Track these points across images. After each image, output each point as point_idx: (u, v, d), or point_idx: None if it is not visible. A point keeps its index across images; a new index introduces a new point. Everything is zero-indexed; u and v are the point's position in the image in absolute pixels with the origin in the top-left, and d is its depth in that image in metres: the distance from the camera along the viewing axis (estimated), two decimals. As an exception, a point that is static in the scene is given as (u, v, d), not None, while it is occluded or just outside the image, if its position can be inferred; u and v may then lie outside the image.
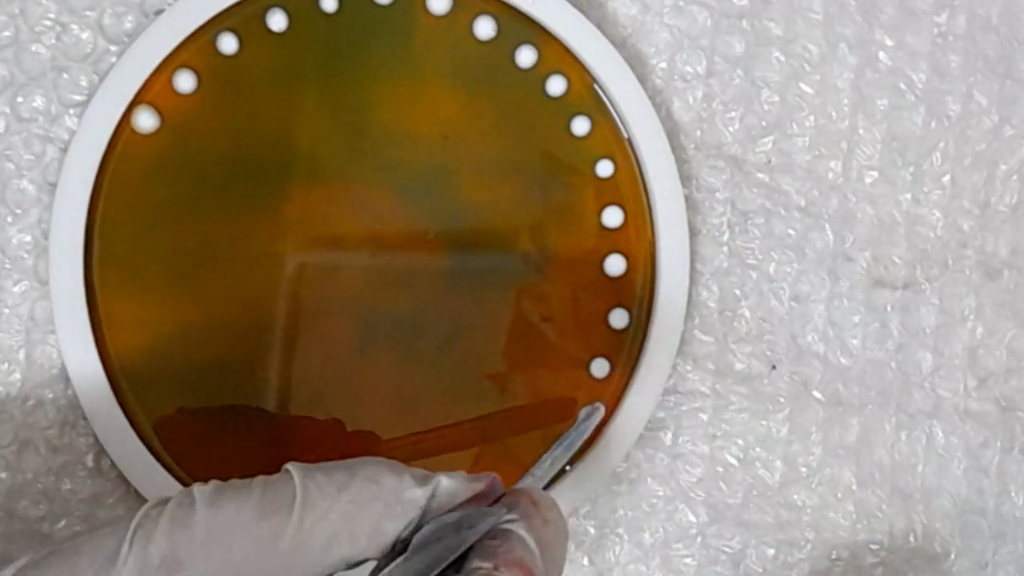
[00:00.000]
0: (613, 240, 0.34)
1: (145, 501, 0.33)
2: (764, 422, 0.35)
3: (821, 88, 0.35)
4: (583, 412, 0.31)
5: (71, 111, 0.33)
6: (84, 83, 0.33)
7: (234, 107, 0.33)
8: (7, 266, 0.33)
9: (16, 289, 0.33)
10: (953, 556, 0.36)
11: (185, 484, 0.32)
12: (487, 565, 0.24)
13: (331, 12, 0.33)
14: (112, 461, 0.32)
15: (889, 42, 0.35)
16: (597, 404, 0.31)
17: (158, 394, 0.32)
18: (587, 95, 0.34)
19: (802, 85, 0.35)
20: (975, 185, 0.36)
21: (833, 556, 0.36)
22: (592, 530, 0.35)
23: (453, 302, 0.33)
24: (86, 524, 0.33)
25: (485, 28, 0.33)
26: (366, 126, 0.33)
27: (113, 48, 0.33)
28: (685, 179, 0.34)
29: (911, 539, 0.36)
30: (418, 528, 0.25)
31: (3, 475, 0.33)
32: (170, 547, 0.24)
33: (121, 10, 0.33)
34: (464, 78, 0.33)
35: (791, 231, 0.35)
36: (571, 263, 0.34)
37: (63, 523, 0.33)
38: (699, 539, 0.35)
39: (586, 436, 0.30)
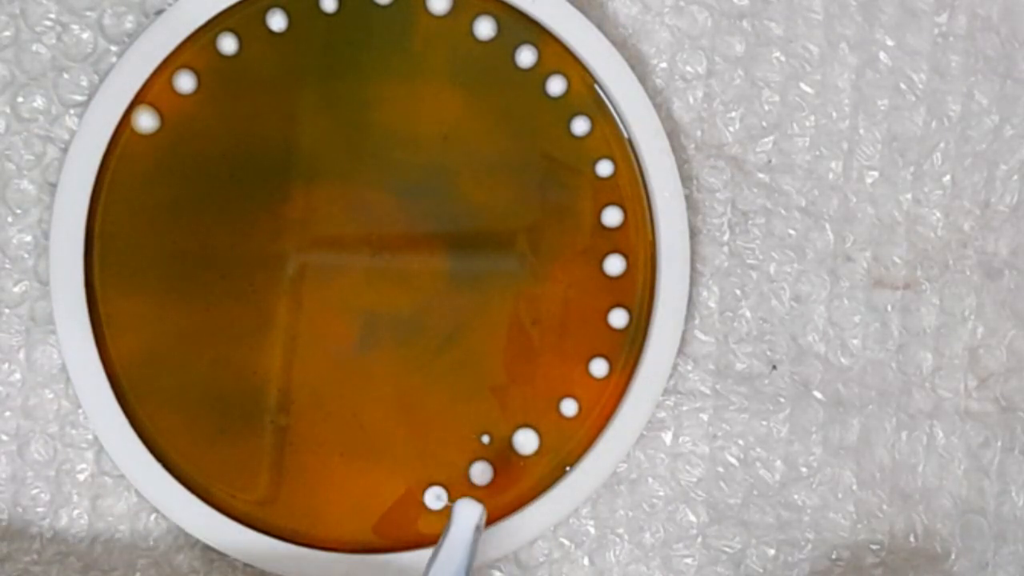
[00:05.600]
0: (613, 240, 0.34)
1: (145, 501, 0.33)
2: (764, 422, 0.35)
3: (821, 88, 0.35)
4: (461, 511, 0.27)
5: (71, 111, 0.33)
6: (84, 83, 0.33)
7: (234, 107, 0.33)
8: (7, 266, 0.33)
9: (16, 289, 0.33)
10: (953, 556, 0.36)
11: (185, 484, 0.32)
12: None
13: (331, 12, 0.33)
14: (112, 461, 0.32)
15: (890, 42, 0.35)
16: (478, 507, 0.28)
17: (158, 394, 0.32)
18: (587, 95, 0.34)
19: (802, 85, 0.35)
20: (975, 185, 0.36)
21: (833, 556, 0.36)
22: (592, 530, 0.35)
23: (453, 302, 0.33)
24: (87, 524, 0.33)
25: (485, 28, 0.33)
26: (366, 126, 0.33)
27: (113, 48, 0.33)
28: (685, 179, 0.34)
29: (911, 539, 0.36)
30: None
31: (3, 475, 0.33)
32: None
33: (121, 10, 0.33)
34: (464, 78, 0.33)
35: (791, 231, 0.35)
36: (571, 262, 0.34)
37: (63, 523, 0.33)
38: (699, 539, 0.35)
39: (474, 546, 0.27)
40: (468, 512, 0.28)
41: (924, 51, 0.35)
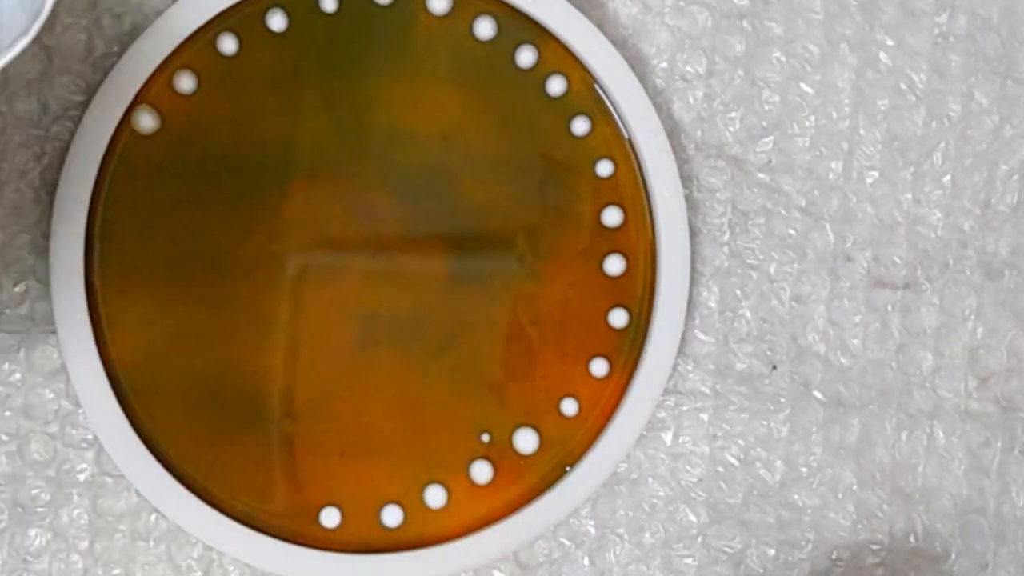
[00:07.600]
0: (613, 240, 0.34)
1: (145, 501, 0.33)
2: (765, 422, 0.35)
3: (822, 88, 0.35)
4: None
5: (71, 111, 0.33)
6: (84, 83, 0.33)
7: (234, 107, 0.33)
8: (7, 266, 0.33)
9: (16, 289, 0.33)
10: (954, 556, 0.36)
11: (185, 484, 0.32)
12: None
13: (331, 12, 0.33)
14: (112, 461, 0.32)
15: (890, 42, 0.35)
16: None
17: (158, 394, 0.32)
18: (587, 95, 0.34)
19: (803, 85, 0.35)
20: (976, 185, 0.36)
21: (834, 556, 0.36)
22: (592, 530, 0.35)
23: (453, 302, 0.33)
24: (87, 524, 0.33)
25: (485, 28, 0.33)
26: (366, 126, 0.33)
27: (113, 48, 0.33)
28: (685, 179, 0.34)
29: (912, 539, 0.36)
30: None
31: (3, 475, 0.33)
32: None
33: (121, 11, 0.33)
34: (464, 78, 0.33)
35: (792, 231, 0.35)
36: (571, 262, 0.34)
37: (63, 523, 0.33)
38: (700, 539, 0.35)
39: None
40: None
41: (924, 51, 0.35)
